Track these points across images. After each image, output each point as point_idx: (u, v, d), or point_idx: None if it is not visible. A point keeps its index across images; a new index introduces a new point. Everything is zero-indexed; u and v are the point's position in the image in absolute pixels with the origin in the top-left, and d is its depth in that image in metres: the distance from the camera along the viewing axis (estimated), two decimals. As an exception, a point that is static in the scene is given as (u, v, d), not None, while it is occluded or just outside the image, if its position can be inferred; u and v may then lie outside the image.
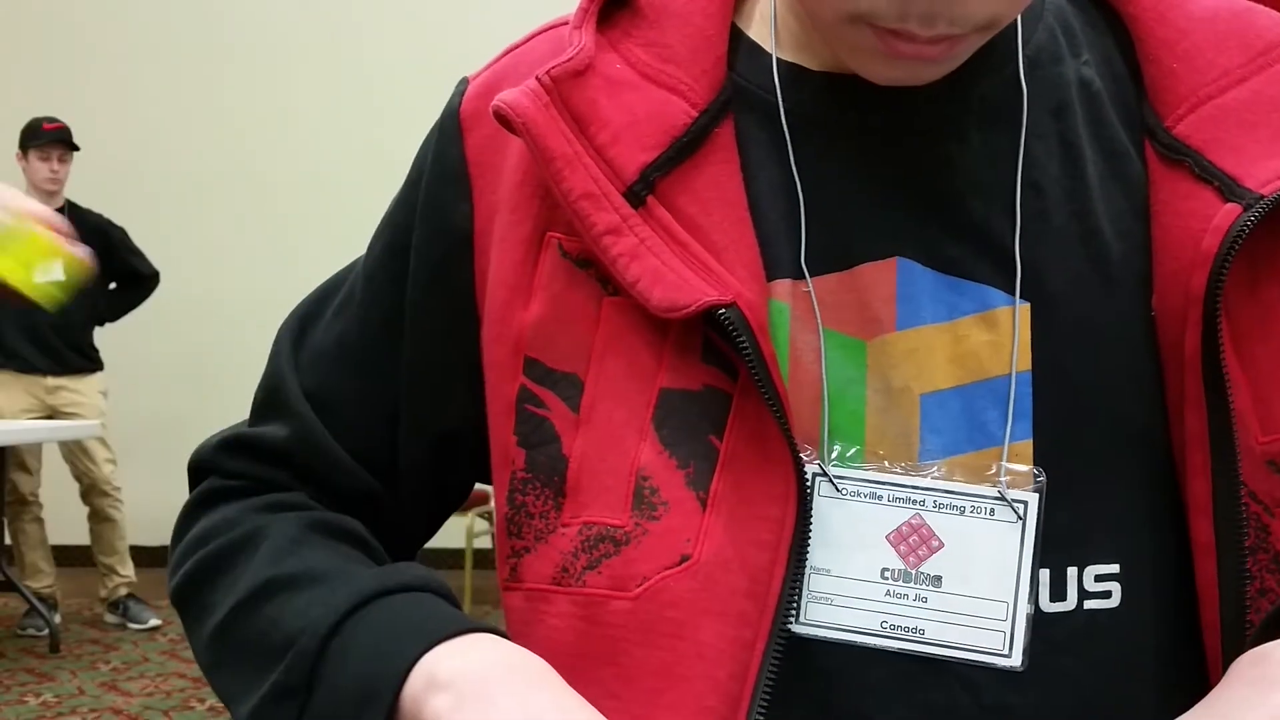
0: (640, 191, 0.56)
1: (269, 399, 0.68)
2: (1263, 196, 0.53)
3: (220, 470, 0.69)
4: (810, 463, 0.54)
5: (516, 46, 0.66)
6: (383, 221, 0.67)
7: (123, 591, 4.83)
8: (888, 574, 0.54)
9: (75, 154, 4.75)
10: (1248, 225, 0.52)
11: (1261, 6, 0.59)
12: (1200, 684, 0.52)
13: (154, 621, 4.78)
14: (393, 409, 0.65)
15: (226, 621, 0.60)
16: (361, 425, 0.65)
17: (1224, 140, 0.56)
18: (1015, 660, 0.53)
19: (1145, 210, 0.57)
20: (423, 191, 0.64)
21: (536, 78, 0.57)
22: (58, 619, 4.68)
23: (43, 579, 4.75)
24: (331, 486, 0.66)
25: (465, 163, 0.62)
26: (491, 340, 0.60)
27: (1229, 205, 0.54)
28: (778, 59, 0.60)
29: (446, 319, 0.63)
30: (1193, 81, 0.57)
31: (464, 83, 0.65)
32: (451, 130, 0.63)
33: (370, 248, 0.68)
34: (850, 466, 0.55)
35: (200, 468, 0.70)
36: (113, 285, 4.90)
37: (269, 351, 0.70)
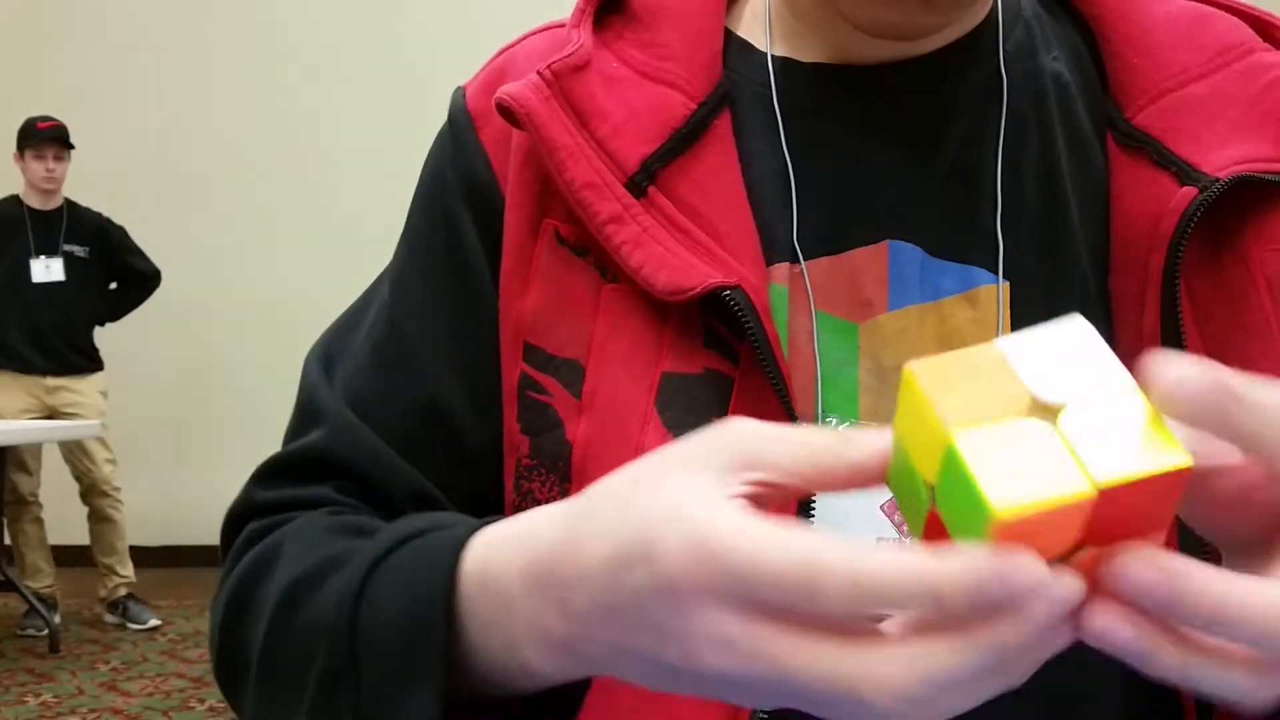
0: (641, 182, 0.58)
1: (301, 416, 0.64)
2: (1217, 179, 0.55)
3: (255, 509, 0.61)
4: None
5: (509, 47, 0.67)
6: (403, 237, 0.67)
7: (122, 592, 4.83)
8: (880, 540, 0.54)
9: (76, 154, 4.76)
10: (1203, 206, 0.55)
11: (1219, 12, 0.63)
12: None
13: (153, 622, 4.78)
14: (432, 402, 0.61)
15: (263, 654, 0.53)
16: (404, 422, 0.61)
17: (1182, 130, 0.58)
18: None
19: (1106, 195, 0.60)
20: (451, 184, 0.64)
21: (538, 72, 0.59)
22: (57, 619, 4.68)
23: (42, 579, 4.75)
24: (379, 491, 0.60)
25: (486, 152, 0.63)
26: (501, 325, 0.61)
27: (1185, 189, 0.56)
28: (770, 53, 0.62)
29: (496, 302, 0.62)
30: (1153, 76, 0.60)
31: (460, 89, 0.67)
32: (465, 124, 0.64)
33: (395, 263, 0.67)
34: None
35: (235, 516, 0.62)
36: (113, 285, 4.91)
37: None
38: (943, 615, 0.32)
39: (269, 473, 0.63)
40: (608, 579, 0.37)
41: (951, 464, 0.32)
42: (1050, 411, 0.33)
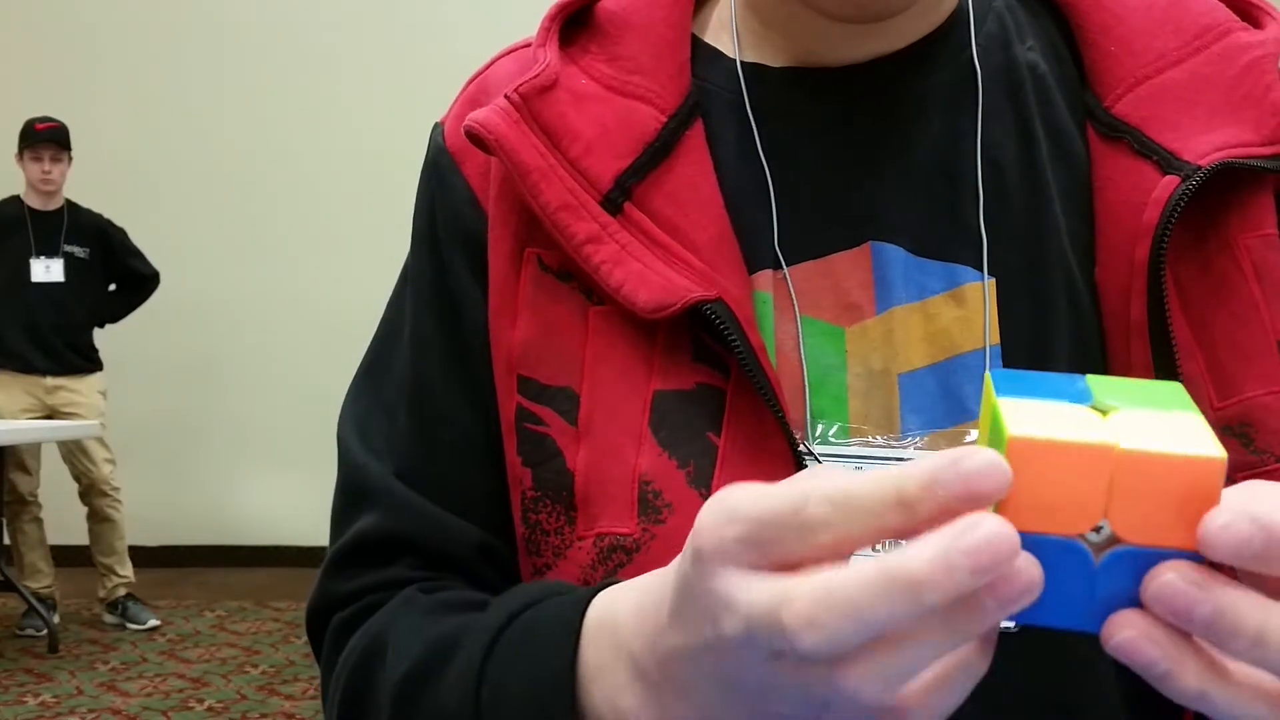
0: (617, 199, 0.57)
1: (350, 496, 0.64)
2: (1200, 168, 0.55)
3: (336, 601, 0.62)
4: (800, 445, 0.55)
5: (480, 73, 0.67)
6: (400, 284, 0.67)
7: (121, 592, 4.83)
8: (879, 545, 0.54)
9: (76, 154, 4.76)
10: (1186, 195, 0.54)
11: None
12: None
13: (153, 622, 4.78)
14: (476, 452, 0.61)
15: None
16: (455, 479, 0.62)
17: (1162, 117, 0.58)
18: (1008, 620, 0.53)
19: (1089, 187, 0.59)
20: (442, 230, 0.63)
21: (505, 95, 0.58)
22: (56, 619, 4.68)
23: (42, 579, 4.75)
24: (447, 555, 0.61)
25: (471, 189, 0.62)
26: (493, 361, 0.61)
27: (1168, 178, 0.55)
28: (739, 60, 0.61)
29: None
30: (1130, 64, 0.59)
31: (438, 126, 0.66)
32: (447, 164, 0.64)
33: (396, 312, 0.66)
34: (835, 444, 0.55)
35: (317, 612, 0.63)
36: (111, 287, 4.91)
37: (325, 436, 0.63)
38: (912, 521, 0.31)
39: (339, 564, 0.63)
40: (675, 578, 0.38)
41: (992, 416, 0.33)
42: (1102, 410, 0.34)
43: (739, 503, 0.34)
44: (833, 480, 0.33)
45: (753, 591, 0.33)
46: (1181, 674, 0.32)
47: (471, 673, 0.49)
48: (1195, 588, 0.31)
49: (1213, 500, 0.31)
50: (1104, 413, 0.34)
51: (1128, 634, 0.32)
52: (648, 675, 0.41)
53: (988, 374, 0.35)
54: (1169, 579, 0.31)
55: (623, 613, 0.44)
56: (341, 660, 0.59)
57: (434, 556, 0.61)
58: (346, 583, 0.62)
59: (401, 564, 0.61)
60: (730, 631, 0.34)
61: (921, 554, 0.30)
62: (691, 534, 0.36)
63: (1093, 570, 0.32)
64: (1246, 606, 0.31)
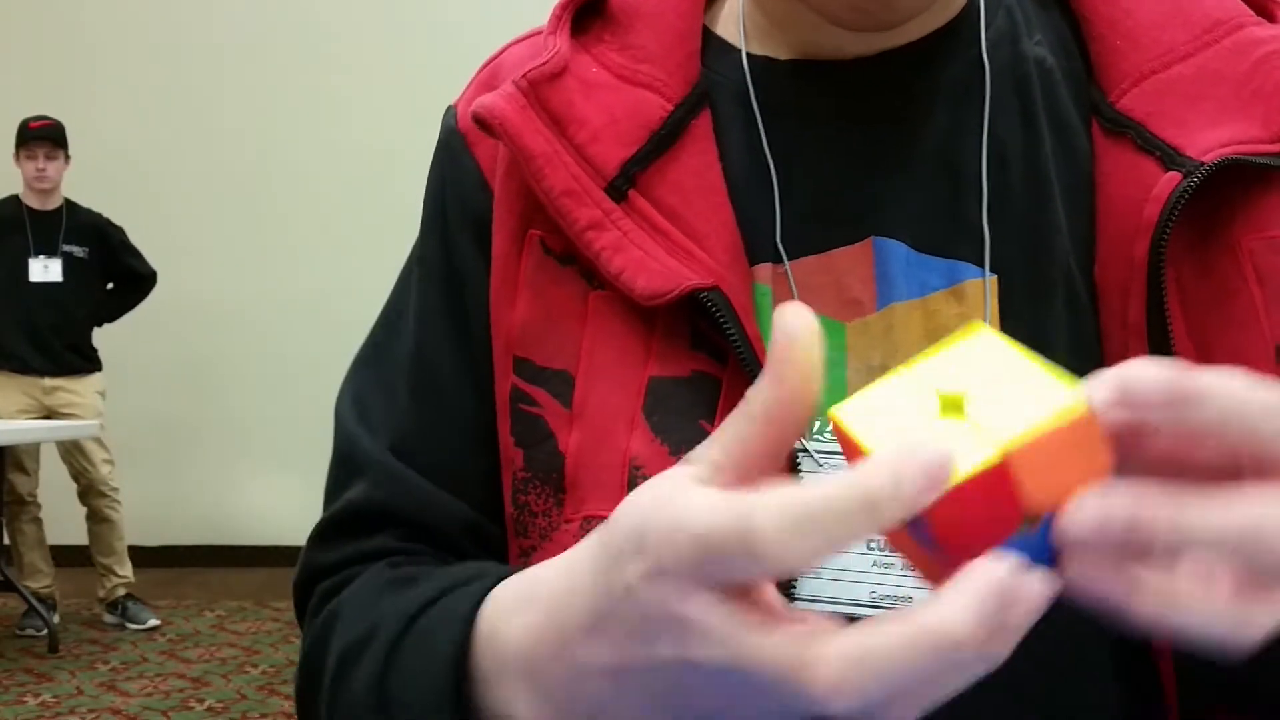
0: (621, 186, 0.57)
1: (342, 467, 0.64)
2: (1202, 164, 0.54)
3: (319, 572, 0.63)
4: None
5: (494, 58, 0.67)
6: (407, 266, 0.67)
7: (121, 592, 4.83)
8: (874, 544, 0.54)
9: (75, 154, 4.76)
10: (1187, 192, 0.53)
11: None
12: (1146, 645, 0.53)
13: (153, 622, 4.78)
14: (474, 431, 0.62)
15: None
16: (450, 456, 0.62)
17: (1166, 113, 0.57)
18: None
19: (1091, 183, 0.58)
20: (451, 209, 0.63)
21: (513, 81, 0.59)
22: (56, 619, 4.68)
23: (41, 579, 4.75)
24: (434, 530, 0.61)
25: (481, 171, 0.63)
26: (492, 340, 0.61)
27: (1169, 174, 0.54)
28: (747, 52, 0.62)
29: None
30: (1137, 58, 0.58)
31: (451, 109, 0.67)
32: (459, 146, 0.64)
33: (401, 294, 0.67)
34: (831, 440, 0.55)
35: (301, 584, 0.64)
36: (110, 285, 4.91)
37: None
38: (875, 520, 0.30)
39: (324, 534, 0.63)
40: (601, 582, 0.36)
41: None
42: (957, 406, 0.34)
43: (693, 517, 0.32)
44: (785, 496, 0.31)
45: (765, 647, 0.32)
46: (1141, 592, 0.32)
47: (378, 664, 0.51)
48: (1099, 508, 0.31)
49: (1097, 447, 0.32)
50: (955, 402, 0.34)
51: (1078, 567, 0.32)
52: (552, 692, 0.40)
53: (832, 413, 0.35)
54: (1072, 514, 0.32)
55: (516, 623, 0.43)
56: (308, 631, 0.60)
57: (420, 531, 0.61)
58: (329, 553, 0.62)
59: (385, 535, 0.61)
60: (706, 658, 0.33)
61: (959, 614, 0.29)
62: (633, 534, 0.34)
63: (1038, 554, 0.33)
64: (1151, 508, 0.31)
